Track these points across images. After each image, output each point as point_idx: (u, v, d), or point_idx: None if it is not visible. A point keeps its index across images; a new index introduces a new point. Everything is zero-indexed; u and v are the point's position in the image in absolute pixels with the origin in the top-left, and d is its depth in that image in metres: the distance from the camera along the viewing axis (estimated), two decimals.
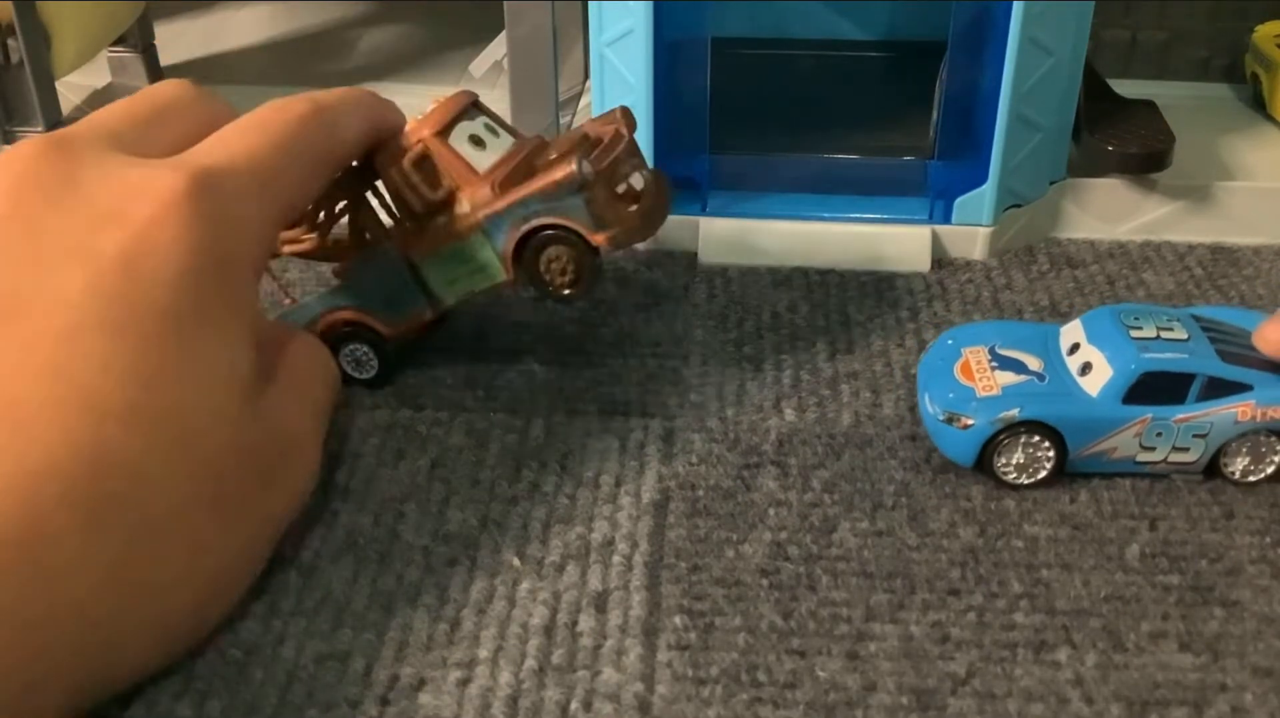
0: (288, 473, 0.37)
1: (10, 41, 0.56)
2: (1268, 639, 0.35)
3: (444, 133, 0.43)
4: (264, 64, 0.72)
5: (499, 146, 0.45)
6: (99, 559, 0.31)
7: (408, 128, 0.44)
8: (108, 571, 0.31)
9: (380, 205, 0.45)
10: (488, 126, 0.45)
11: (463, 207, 0.43)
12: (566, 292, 0.43)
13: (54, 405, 0.31)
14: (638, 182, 0.44)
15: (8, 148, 0.37)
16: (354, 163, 0.45)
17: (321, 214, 0.45)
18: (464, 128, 0.44)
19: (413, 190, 0.43)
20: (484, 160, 0.44)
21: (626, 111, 0.46)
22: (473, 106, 0.45)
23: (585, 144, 0.44)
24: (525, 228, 0.42)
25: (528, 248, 0.43)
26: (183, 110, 0.40)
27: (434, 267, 0.44)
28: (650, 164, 0.53)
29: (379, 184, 0.45)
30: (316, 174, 0.41)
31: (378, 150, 0.44)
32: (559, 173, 0.41)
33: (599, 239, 0.42)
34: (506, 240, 0.43)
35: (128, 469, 0.32)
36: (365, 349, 0.46)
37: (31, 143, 0.36)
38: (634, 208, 0.43)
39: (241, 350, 0.36)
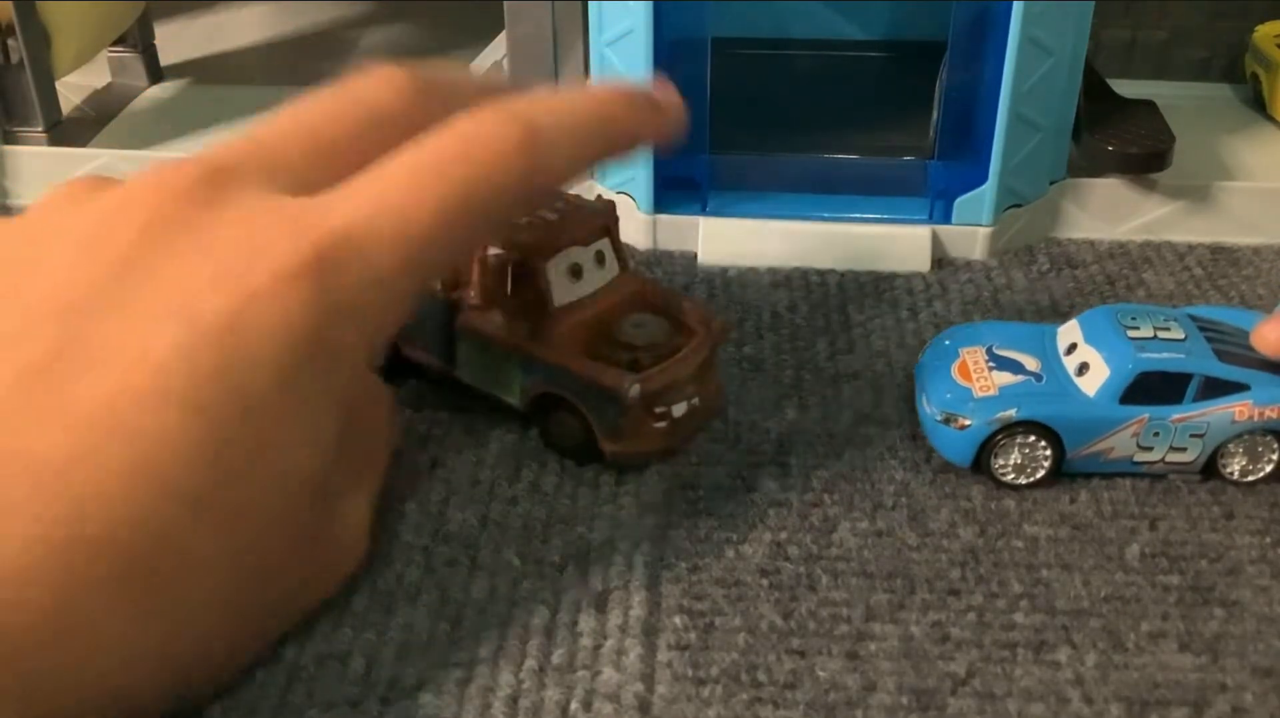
0: (338, 561, 0.36)
1: (10, 41, 0.56)
2: (1268, 639, 0.36)
3: (551, 254, 0.41)
4: (264, 64, 0.72)
5: (596, 279, 0.42)
6: (136, 641, 0.29)
7: (530, 223, 0.41)
8: (140, 652, 0.29)
9: None
10: (599, 255, 0.43)
11: (521, 328, 0.41)
12: (571, 456, 0.42)
13: (122, 476, 0.29)
14: (678, 411, 0.41)
15: (161, 166, 0.32)
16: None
17: None
18: (569, 255, 0.41)
19: (491, 286, 0.41)
20: (570, 293, 0.42)
21: (726, 326, 0.43)
22: (603, 230, 0.43)
23: (669, 339, 0.41)
24: (551, 389, 0.41)
25: (546, 397, 0.42)
26: (382, 121, 0.34)
27: (467, 345, 0.43)
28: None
29: None
30: (498, 216, 0.35)
31: None
32: (607, 379, 0.40)
33: (606, 447, 0.41)
34: (533, 386, 0.41)
35: (184, 556, 0.29)
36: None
37: (185, 171, 0.32)
38: (660, 425, 0.41)
39: (324, 448, 0.32)
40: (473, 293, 0.42)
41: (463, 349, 0.43)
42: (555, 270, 0.41)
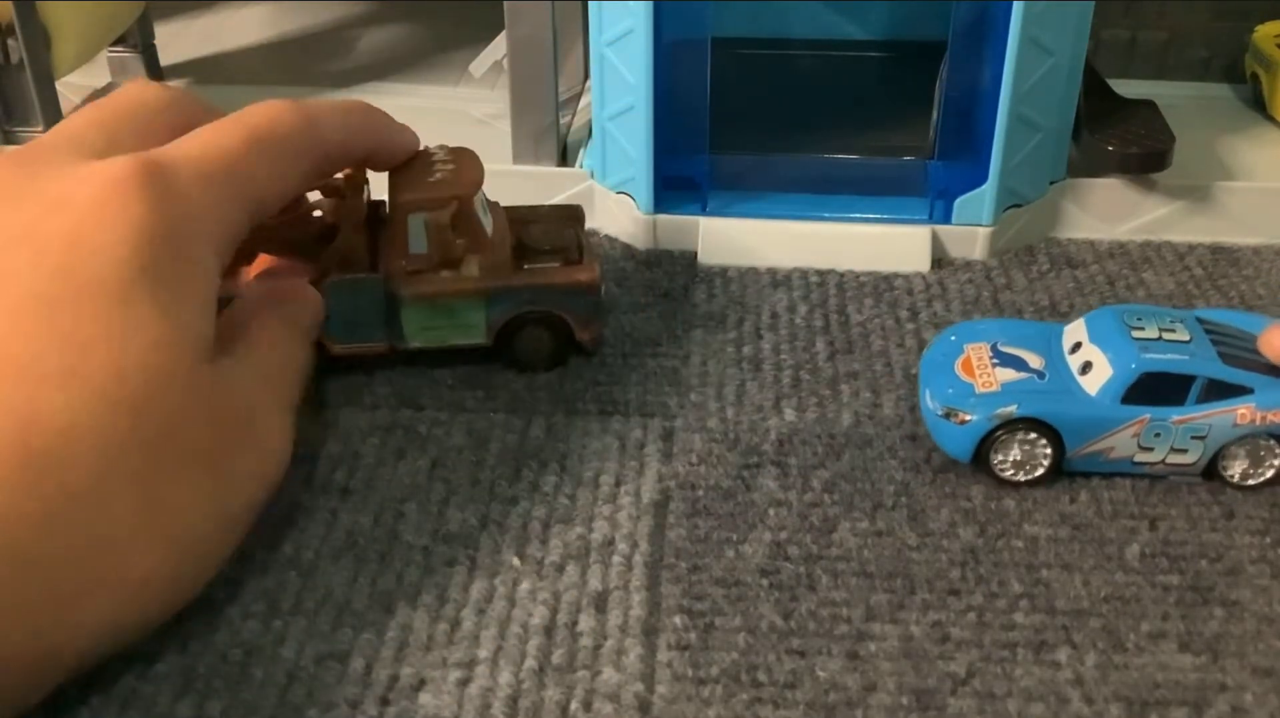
0: (252, 442, 0.38)
1: (10, 41, 0.56)
2: (1268, 639, 0.36)
3: (473, 195, 0.45)
4: (264, 64, 0.72)
5: (489, 213, 0.47)
6: (31, 511, 0.31)
7: (441, 177, 0.45)
8: (43, 521, 0.31)
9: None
10: (483, 195, 0.47)
11: (471, 269, 0.45)
12: (538, 368, 0.46)
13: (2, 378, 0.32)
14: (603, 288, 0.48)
15: None
16: (366, 192, 0.46)
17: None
18: (480, 194, 0.46)
19: (442, 244, 0.44)
20: (489, 226, 0.46)
21: (581, 209, 0.50)
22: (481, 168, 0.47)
23: (567, 236, 0.47)
24: (527, 309, 0.45)
25: (509, 323, 0.45)
26: (151, 115, 0.41)
27: (418, 312, 0.45)
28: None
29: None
30: (292, 164, 0.41)
31: (399, 188, 0.45)
32: (583, 276, 0.46)
33: (584, 336, 0.46)
34: (503, 314, 0.45)
35: (56, 426, 0.32)
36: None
37: None
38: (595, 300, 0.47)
39: (193, 318, 0.36)
40: (406, 262, 0.45)
41: (411, 317, 0.45)
42: (479, 209, 0.45)
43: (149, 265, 0.35)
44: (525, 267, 0.46)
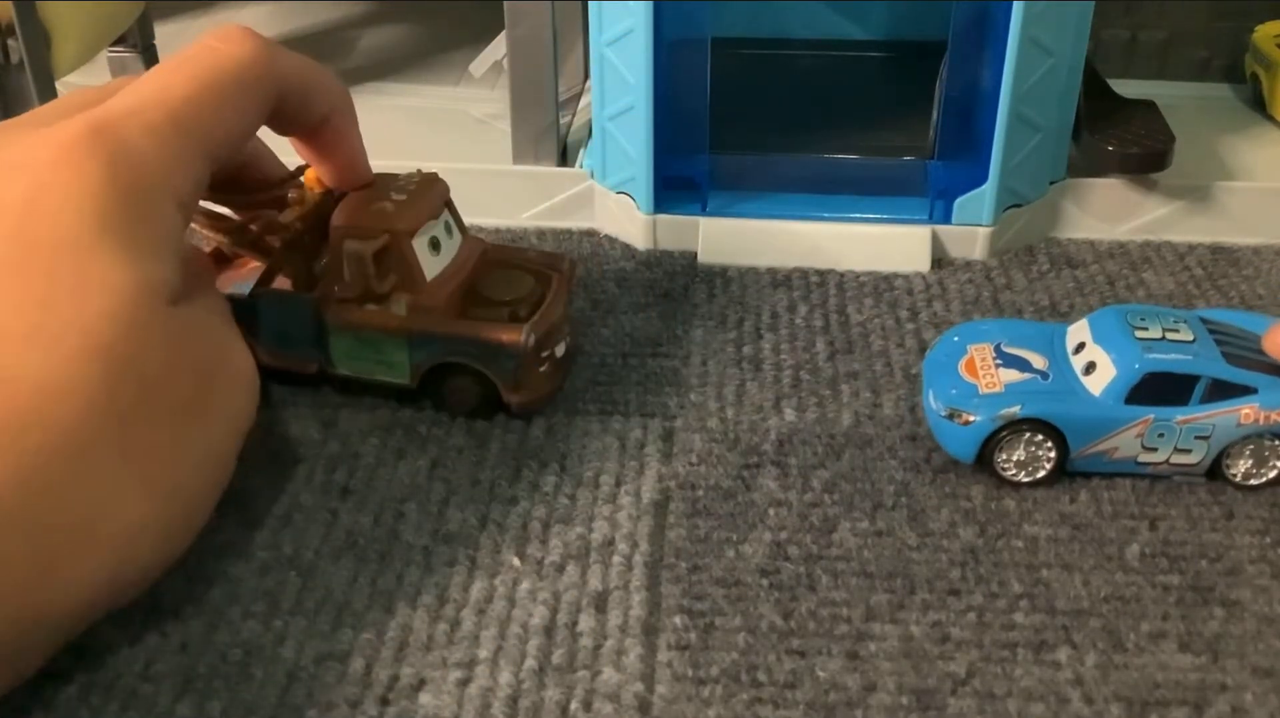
0: (224, 377, 0.38)
1: (10, 41, 0.56)
2: (1268, 639, 0.35)
3: (414, 232, 0.43)
4: None
5: (450, 249, 0.45)
6: (12, 474, 0.31)
7: (386, 208, 0.43)
8: (23, 479, 0.31)
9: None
10: (447, 226, 0.45)
11: (399, 307, 0.43)
12: (461, 414, 0.44)
13: None
14: (560, 350, 0.44)
15: None
16: (298, 221, 0.44)
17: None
18: (427, 230, 0.44)
19: (362, 277, 0.43)
20: (435, 266, 0.44)
21: (574, 264, 0.47)
22: (446, 203, 0.45)
23: (532, 290, 0.44)
24: (449, 359, 0.43)
25: (438, 368, 0.44)
26: (102, 90, 0.41)
27: (343, 340, 0.44)
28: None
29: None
30: (247, 106, 0.41)
31: (342, 210, 0.44)
32: (505, 336, 0.42)
33: (511, 398, 0.43)
34: (427, 359, 0.43)
35: (30, 385, 0.32)
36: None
37: None
38: (545, 369, 0.44)
39: (156, 267, 0.36)
40: (338, 288, 0.44)
41: (338, 343, 0.44)
42: (419, 247, 0.43)
43: (107, 220, 0.35)
44: (469, 313, 0.44)
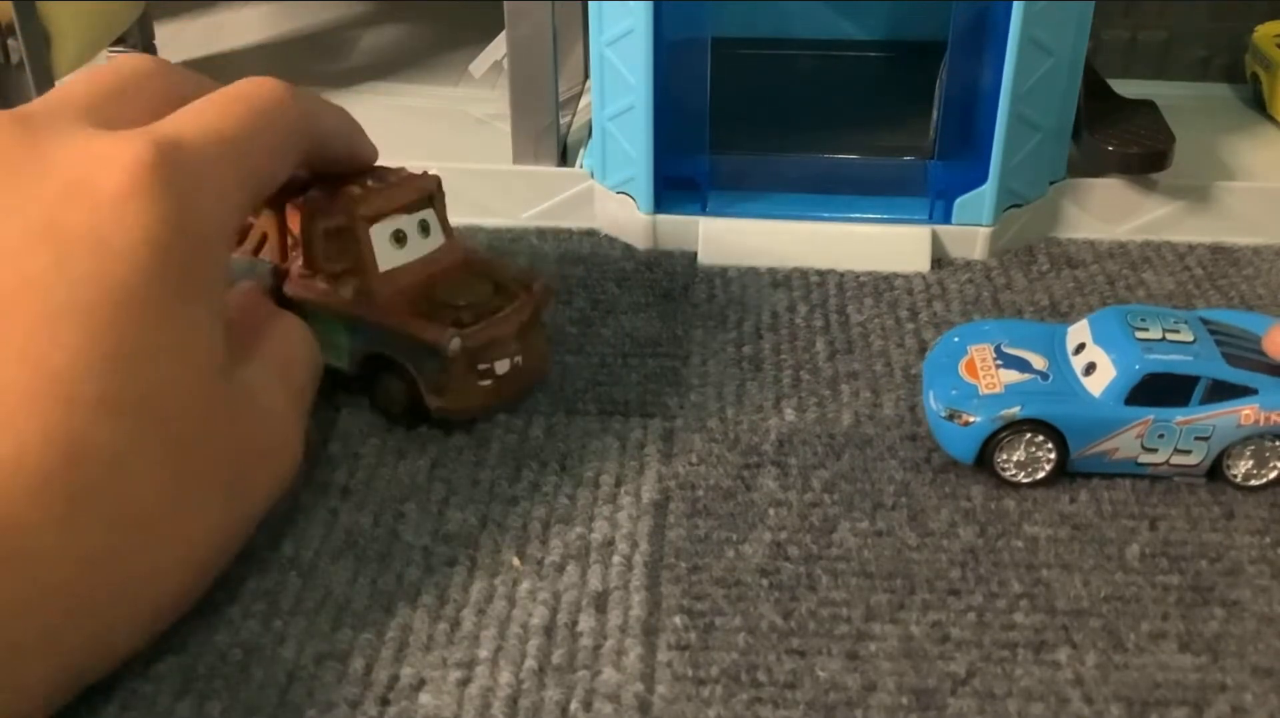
0: (270, 453, 0.37)
1: (10, 41, 0.56)
2: (1268, 639, 0.35)
3: (374, 219, 0.43)
4: (264, 64, 0.72)
5: (421, 248, 0.44)
6: (79, 549, 0.31)
7: (355, 191, 0.43)
8: (90, 561, 0.31)
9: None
10: (423, 224, 0.45)
11: (346, 290, 0.43)
12: (391, 415, 0.44)
13: (26, 396, 0.31)
14: (502, 367, 0.43)
15: None
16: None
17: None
18: (393, 221, 0.44)
19: (313, 252, 0.43)
20: (394, 258, 0.44)
21: (549, 288, 0.45)
22: (426, 200, 0.45)
23: (489, 300, 0.43)
24: (377, 349, 0.43)
25: (373, 359, 0.44)
26: (149, 83, 0.39)
27: (296, 312, 0.43)
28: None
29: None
30: (290, 151, 0.40)
31: (314, 189, 0.44)
32: (428, 334, 0.42)
33: (431, 400, 0.43)
34: (362, 347, 0.44)
35: (103, 458, 0.31)
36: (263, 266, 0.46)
37: None
38: (485, 383, 0.43)
39: (215, 327, 0.35)
40: (300, 262, 0.44)
41: (292, 311, 0.44)
42: (378, 236, 0.43)
43: (175, 270, 0.33)
44: (416, 311, 0.43)
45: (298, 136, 0.40)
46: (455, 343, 0.41)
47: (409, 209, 0.44)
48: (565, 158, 0.59)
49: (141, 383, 0.32)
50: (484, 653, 0.35)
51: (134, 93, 0.38)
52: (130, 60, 0.39)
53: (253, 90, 0.39)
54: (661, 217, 0.55)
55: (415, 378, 0.43)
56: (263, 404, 0.37)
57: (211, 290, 0.35)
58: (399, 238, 0.44)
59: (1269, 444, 0.40)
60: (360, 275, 0.43)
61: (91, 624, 0.31)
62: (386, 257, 0.43)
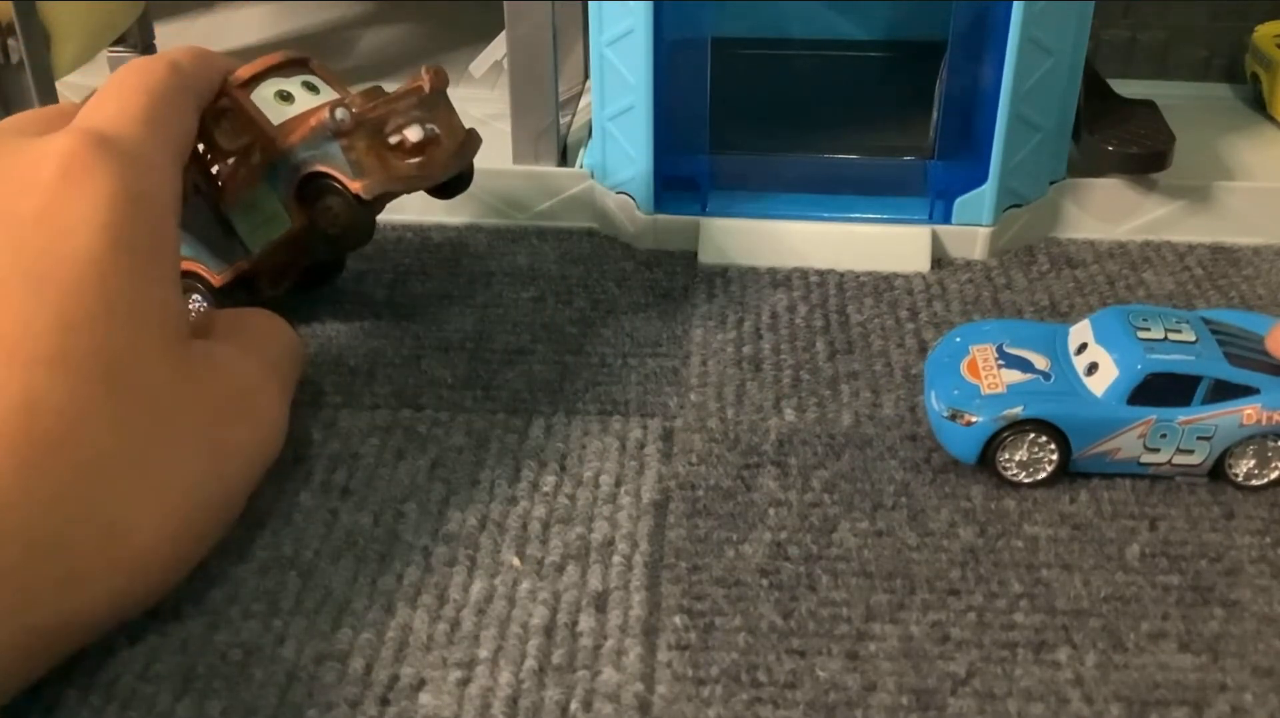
0: (248, 420, 0.39)
1: (10, 41, 0.56)
2: (1268, 639, 0.35)
3: (247, 86, 0.45)
4: None
5: (311, 102, 0.46)
6: (39, 495, 0.32)
7: (227, 82, 0.46)
8: (50, 504, 0.32)
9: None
10: (307, 84, 0.47)
11: (255, 157, 0.45)
12: (338, 239, 0.45)
13: None
14: (414, 134, 0.45)
15: None
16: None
17: None
18: (273, 83, 0.46)
19: (211, 142, 0.45)
20: (285, 113, 0.45)
21: (439, 70, 0.47)
22: (298, 64, 0.47)
23: (374, 95, 0.45)
24: (297, 176, 0.44)
25: (307, 196, 0.45)
26: (44, 113, 0.42)
27: (238, 217, 0.46)
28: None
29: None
30: (189, 108, 0.42)
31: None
32: (314, 119, 0.44)
33: (355, 186, 0.44)
34: (286, 188, 0.45)
35: (60, 411, 0.33)
36: (200, 300, 0.48)
37: None
38: (412, 160, 0.44)
39: (169, 289, 0.37)
40: (218, 170, 0.46)
41: (238, 222, 0.46)
42: (261, 99, 0.45)
43: (123, 237, 0.36)
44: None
45: (190, 93, 0.43)
46: (339, 112, 0.43)
47: (283, 71, 0.46)
48: (565, 158, 0.59)
49: (92, 340, 0.34)
50: (484, 653, 0.35)
51: (66, 113, 0.41)
52: (54, 106, 0.44)
53: (138, 70, 0.41)
54: (661, 217, 0.55)
55: (339, 180, 0.44)
56: (232, 369, 0.39)
57: (162, 254, 0.37)
58: (284, 96, 0.46)
59: (1271, 444, 0.40)
60: (254, 132, 0.45)
61: (53, 566, 0.32)
62: (276, 113, 0.45)
